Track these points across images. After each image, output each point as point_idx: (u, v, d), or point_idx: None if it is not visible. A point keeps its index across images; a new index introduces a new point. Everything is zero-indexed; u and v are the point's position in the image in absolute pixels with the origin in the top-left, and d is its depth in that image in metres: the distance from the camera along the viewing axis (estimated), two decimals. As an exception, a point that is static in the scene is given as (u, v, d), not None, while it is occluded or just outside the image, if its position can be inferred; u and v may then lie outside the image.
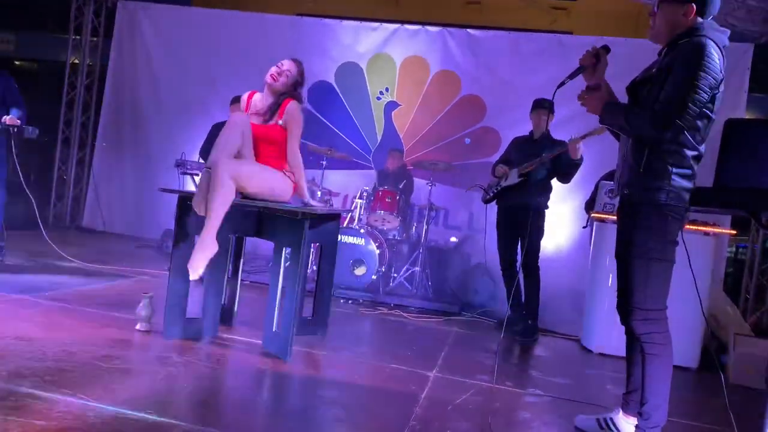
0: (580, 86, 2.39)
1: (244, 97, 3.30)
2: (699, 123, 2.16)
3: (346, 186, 6.73)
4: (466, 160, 6.60)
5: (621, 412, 2.44)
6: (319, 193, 5.42)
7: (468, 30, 6.85)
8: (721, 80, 2.14)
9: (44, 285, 3.92)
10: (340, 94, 7.05)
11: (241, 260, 3.62)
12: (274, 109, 3.15)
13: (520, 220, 4.20)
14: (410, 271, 5.44)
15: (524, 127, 4.60)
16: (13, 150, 4.28)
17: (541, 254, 4.38)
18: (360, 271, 5.10)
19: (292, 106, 3.15)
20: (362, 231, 5.14)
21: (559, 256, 6.04)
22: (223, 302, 3.47)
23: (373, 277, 5.09)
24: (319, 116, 7.02)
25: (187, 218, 3.05)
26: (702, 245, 3.84)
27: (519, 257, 4.32)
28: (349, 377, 2.92)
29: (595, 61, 2.35)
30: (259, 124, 3.14)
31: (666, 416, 2.25)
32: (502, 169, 4.42)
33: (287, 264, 3.08)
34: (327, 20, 7.13)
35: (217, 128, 4.38)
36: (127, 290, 4.17)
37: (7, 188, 4.53)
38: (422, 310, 4.84)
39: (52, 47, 9.94)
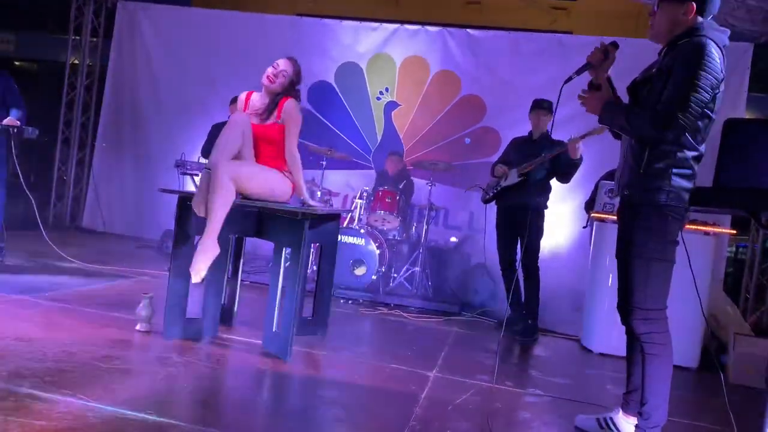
0: (581, 85, 2.39)
1: (242, 96, 3.29)
2: (699, 123, 2.16)
3: (346, 186, 6.73)
4: (466, 160, 6.60)
5: (621, 411, 2.44)
6: (319, 193, 5.42)
7: (468, 30, 6.84)
8: (722, 80, 2.14)
9: (44, 285, 3.92)
10: (340, 94, 7.05)
11: (241, 260, 3.63)
12: (271, 108, 3.16)
13: (520, 220, 4.20)
14: (410, 271, 5.44)
15: (524, 127, 4.60)
16: (13, 150, 4.28)
17: (540, 254, 4.38)
18: (360, 271, 5.10)
19: (289, 104, 3.15)
20: (362, 231, 5.14)
21: (559, 256, 6.04)
22: (223, 302, 3.47)
23: (373, 277, 5.09)
24: (319, 116, 7.02)
25: (187, 219, 3.05)
26: (702, 245, 3.84)
27: (519, 257, 4.32)
28: (349, 377, 2.92)
29: (603, 57, 2.35)
30: (257, 123, 3.14)
31: (666, 416, 2.25)
32: (502, 169, 4.42)
33: (287, 264, 3.08)
34: (327, 20, 7.13)
35: (218, 128, 4.38)
36: (127, 290, 4.17)
37: (7, 189, 4.53)
38: (422, 310, 4.84)
39: (52, 47, 9.94)
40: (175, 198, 3.11)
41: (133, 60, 7.50)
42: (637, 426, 2.29)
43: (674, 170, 2.17)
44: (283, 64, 3.20)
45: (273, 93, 3.17)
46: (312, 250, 4.53)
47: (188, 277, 2.87)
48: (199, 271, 2.81)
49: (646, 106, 2.20)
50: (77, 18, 7.70)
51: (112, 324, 3.23)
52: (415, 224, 5.94)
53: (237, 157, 2.98)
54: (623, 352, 2.49)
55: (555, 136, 4.26)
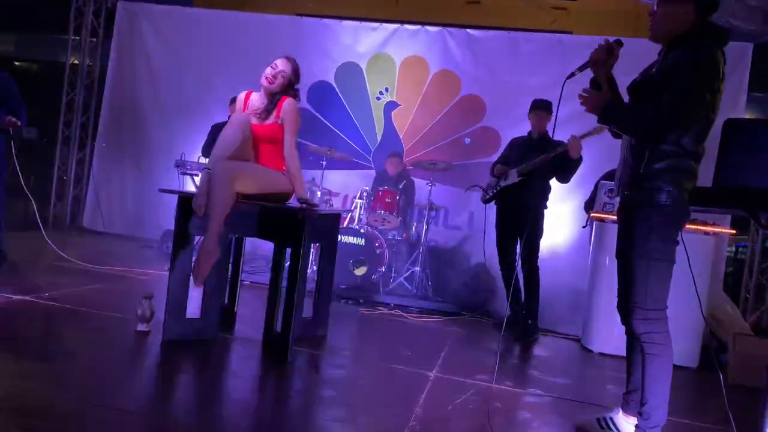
0: (582, 85, 2.39)
1: (241, 96, 3.29)
2: (699, 123, 2.16)
3: (346, 186, 6.72)
4: (466, 160, 6.60)
5: (621, 411, 2.44)
6: (318, 193, 5.42)
7: (468, 30, 6.84)
8: (722, 80, 2.14)
9: (44, 285, 3.92)
10: (340, 94, 7.05)
11: (241, 260, 3.63)
12: (270, 108, 3.16)
13: (520, 220, 4.20)
14: (410, 271, 5.44)
15: (524, 127, 4.60)
16: (13, 151, 4.28)
17: (540, 254, 4.38)
18: (360, 271, 5.10)
19: (288, 104, 3.15)
20: (362, 231, 5.14)
21: (559, 255, 6.03)
22: (223, 302, 3.47)
23: (373, 277, 5.09)
24: (319, 116, 7.01)
25: (187, 219, 3.05)
26: (702, 245, 3.84)
27: (518, 257, 4.32)
28: (349, 377, 2.92)
29: (606, 56, 2.34)
30: (257, 123, 3.14)
31: (666, 416, 2.25)
32: (501, 168, 4.42)
33: (287, 264, 3.08)
34: (327, 20, 7.12)
35: (218, 128, 4.39)
36: (127, 290, 4.17)
37: (7, 189, 4.53)
38: (422, 310, 4.85)
39: (51, 48, 9.96)
40: (175, 198, 3.11)
41: (132, 60, 7.49)
42: (637, 426, 2.29)
43: (674, 170, 2.17)
44: (281, 64, 3.20)
45: (272, 93, 3.18)
46: (312, 250, 4.53)
47: (188, 277, 2.87)
48: (200, 274, 2.82)
49: (646, 107, 2.20)
50: (77, 18, 7.70)
51: (112, 324, 3.23)
52: (415, 224, 5.95)
53: (237, 157, 2.98)
54: (623, 352, 2.49)
55: (555, 135, 4.27)
